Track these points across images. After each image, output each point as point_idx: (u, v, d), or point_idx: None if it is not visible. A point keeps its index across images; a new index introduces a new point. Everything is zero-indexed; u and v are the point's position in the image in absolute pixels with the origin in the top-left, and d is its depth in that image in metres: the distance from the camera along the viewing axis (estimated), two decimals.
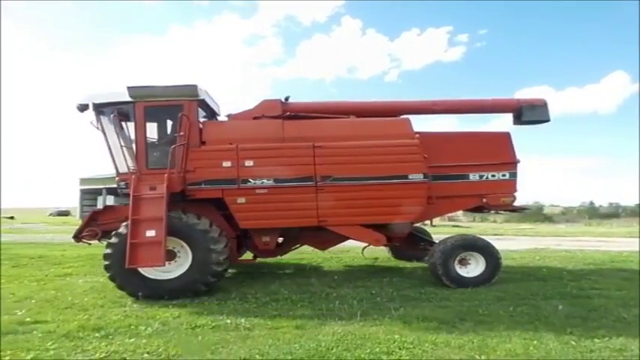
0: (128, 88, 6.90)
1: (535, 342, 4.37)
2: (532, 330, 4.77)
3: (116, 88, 7.11)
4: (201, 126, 7.27)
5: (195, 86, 7.05)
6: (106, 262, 6.36)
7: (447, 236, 7.55)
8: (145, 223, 6.23)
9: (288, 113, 7.60)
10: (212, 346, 4.32)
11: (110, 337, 4.60)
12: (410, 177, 7.05)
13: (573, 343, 4.37)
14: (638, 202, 64.51)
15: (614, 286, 7.19)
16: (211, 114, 8.00)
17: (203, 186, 6.96)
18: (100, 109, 7.10)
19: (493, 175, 7.65)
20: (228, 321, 5.16)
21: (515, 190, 7.75)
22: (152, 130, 7.42)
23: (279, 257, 8.46)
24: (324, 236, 7.65)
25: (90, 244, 7.71)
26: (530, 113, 7.98)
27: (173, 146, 6.81)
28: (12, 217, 40.38)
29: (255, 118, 7.63)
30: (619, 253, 11.53)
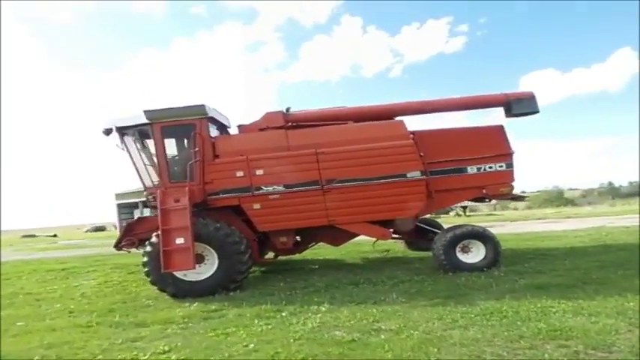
0: (144, 111, 7.74)
1: None
2: None
3: (134, 110, 7.94)
4: (213, 140, 8.08)
5: (203, 106, 7.84)
6: (146, 269, 7.26)
7: (448, 227, 8.12)
8: (174, 232, 7.08)
9: (290, 123, 8.31)
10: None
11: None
12: (408, 175, 7.64)
13: None
14: None
15: None
16: (222, 127, 8.81)
17: (221, 195, 7.77)
18: (122, 131, 7.99)
19: (490, 167, 8.13)
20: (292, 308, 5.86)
21: (512, 180, 8.22)
22: (171, 147, 8.29)
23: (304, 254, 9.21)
24: (335, 234, 8.32)
25: (129, 251, 8.68)
26: (519, 106, 8.37)
27: (191, 162, 7.65)
28: (55, 235, 42.76)
29: (260, 129, 8.35)
30: None
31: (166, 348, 4.40)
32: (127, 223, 8.68)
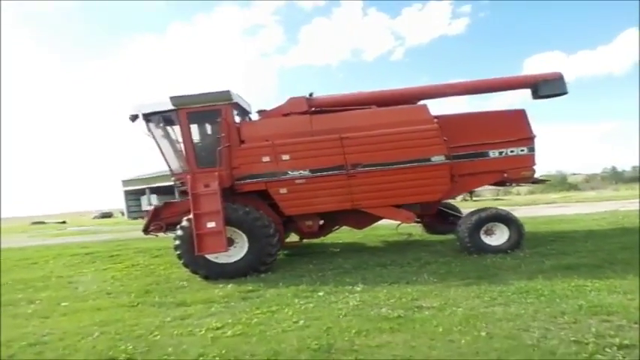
0: (171, 97, 7.83)
1: None
2: None
3: (158, 97, 8.04)
4: (238, 126, 8.20)
5: (228, 91, 7.95)
6: (178, 252, 7.46)
7: (471, 210, 8.28)
8: (206, 216, 7.26)
9: (313, 108, 8.41)
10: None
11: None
12: (432, 159, 7.76)
13: None
14: None
15: None
16: (244, 113, 8.92)
17: (248, 180, 7.92)
18: (148, 117, 8.08)
19: (512, 151, 8.24)
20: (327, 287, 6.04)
21: (534, 164, 8.34)
22: (196, 133, 8.42)
23: (322, 238, 9.42)
24: (359, 217, 8.49)
25: (157, 235, 8.88)
26: (546, 87, 8.37)
27: (220, 147, 7.78)
28: (64, 222, 43.24)
29: (284, 115, 8.45)
30: None
31: (218, 324, 4.59)
32: (154, 207, 8.84)
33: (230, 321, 4.71)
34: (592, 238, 8.53)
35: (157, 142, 8.18)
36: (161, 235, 8.85)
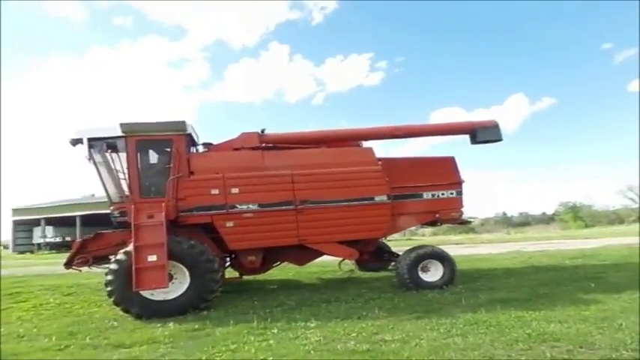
0: (121, 124, 7.53)
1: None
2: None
3: (103, 123, 7.72)
4: (188, 157, 7.96)
5: (183, 122, 7.81)
6: (109, 288, 6.83)
7: (408, 248, 8.74)
8: (147, 249, 6.81)
9: (264, 144, 8.51)
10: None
11: None
12: (376, 198, 8.17)
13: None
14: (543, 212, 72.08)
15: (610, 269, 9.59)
16: (193, 144, 8.72)
17: (194, 212, 7.65)
18: (92, 142, 7.59)
19: (443, 194, 8.95)
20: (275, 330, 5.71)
21: (462, 206, 9.12)
22: (144, 162, 8.01)
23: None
24: (302, 253, 8.52)
25: (81, 270, 8.06)
26: (483, 134, 9.06)
27: (171, 178, 7.48)
28: None
29: (235, 149, 8.45)
30: (580, 249, 14.23)
31: None
32: (82, 239, 8.08)
33: None
34: (512, 275, 9.39)
35: (97, 168, 7.65)
36: (71, 270, 8.09)
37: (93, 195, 36.15)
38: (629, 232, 28.04)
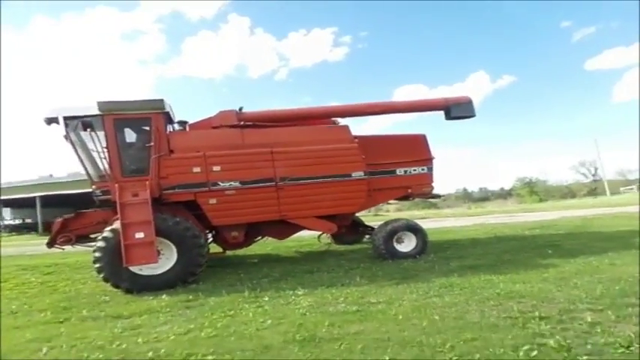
0: (98, 102, 7.52)
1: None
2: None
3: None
4: (168, 135, 8.06)
5: (162, 100, 7.87)
6: (98, 265, 6.97)
7: (383, 222, 9.25)
8: (134, 226, 6.96)
9: (242, 122, 8.69)
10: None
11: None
12: (352, 175, 8.58)
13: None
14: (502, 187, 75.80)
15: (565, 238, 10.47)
16: (170, 122, 8.78)
17: (177, 190, 7.82)
18: (69, 121, 7.58)
19: (415, 170, 9.47)
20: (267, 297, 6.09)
21: (432, 182, 9.68)
22: (123, 140, 8.05)
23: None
24: (282, 228, 8.88)
25: (64, 249, 8.11)
26: (457, 110, 9.36)
27: (153, 156, 7.58)
28: None
29: (214, 127, 8.59)
30: (538, 221, 15.38)
31: (181, 330, 4.53)
32: (63, 218, 8.09)
33: (192, 326, 4.68)
34: (478, 244, 10.15)
35: (74, 148, 7.62)
36: (50, 250, 8.16)
37: (51, 175, 34.97)
38: (581, 204, 30.07)
